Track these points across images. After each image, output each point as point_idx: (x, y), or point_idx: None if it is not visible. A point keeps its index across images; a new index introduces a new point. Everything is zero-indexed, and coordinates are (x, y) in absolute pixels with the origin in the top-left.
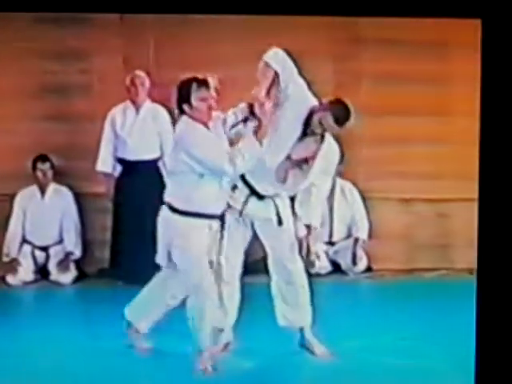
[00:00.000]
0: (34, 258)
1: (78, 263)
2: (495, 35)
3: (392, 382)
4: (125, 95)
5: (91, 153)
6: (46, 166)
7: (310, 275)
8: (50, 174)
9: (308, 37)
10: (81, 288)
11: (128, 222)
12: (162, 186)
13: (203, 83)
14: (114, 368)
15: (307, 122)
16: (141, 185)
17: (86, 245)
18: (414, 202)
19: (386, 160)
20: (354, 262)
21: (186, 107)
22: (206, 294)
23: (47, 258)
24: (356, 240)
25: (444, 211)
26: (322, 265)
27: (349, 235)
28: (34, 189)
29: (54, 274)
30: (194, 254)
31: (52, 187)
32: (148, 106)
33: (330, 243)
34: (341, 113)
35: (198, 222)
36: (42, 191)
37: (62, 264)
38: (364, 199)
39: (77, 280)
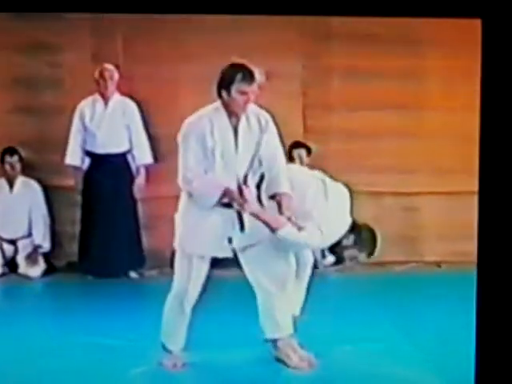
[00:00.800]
0: (2, 251)
1: (47, 256)
2: (495, 35)
3: (360, 373)
4: (94, 88)
5: (60, 146)
6: (15, 158)
7: None
8: (18, 166)
9: (277, 32)
10: (49, 281)
11: (97, 215)
12: (130, 179)
13: (249, 76)
14: (82, 362)
15: None
16: (110, 178)
17: (54, 238)
18: (383, 196)
19: (355, 154)
20: (323, 255)
21: (223, 93)
22: None
23: (15, 251)
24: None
25: (413, 205)
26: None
27: None
28: (2, 182)
29: (23, 267)
30: None
31: (20, 180)
32: (117, 99)
33: None
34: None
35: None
36: (10, 184)
37: (31, 257)
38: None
39: (45, 273)
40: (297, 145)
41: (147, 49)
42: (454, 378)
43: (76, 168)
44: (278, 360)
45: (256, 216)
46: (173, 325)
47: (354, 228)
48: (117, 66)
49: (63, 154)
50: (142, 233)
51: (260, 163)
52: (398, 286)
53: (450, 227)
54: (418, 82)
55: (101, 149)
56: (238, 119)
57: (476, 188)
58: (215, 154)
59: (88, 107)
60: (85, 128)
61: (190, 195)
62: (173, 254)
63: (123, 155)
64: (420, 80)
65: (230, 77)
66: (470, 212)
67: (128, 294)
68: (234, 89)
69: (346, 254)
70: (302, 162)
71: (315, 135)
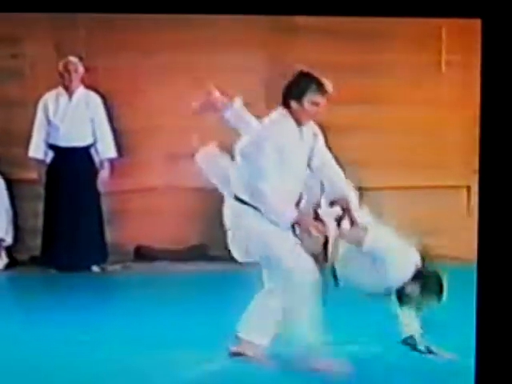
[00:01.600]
0: None
1: (10, 250)
2: (495, 35)
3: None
4: (56, 81)
5: (23, 139)
6: None
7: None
8: None
9: (242, 27)
10: (12, 275)
11: (60, 209)
12: (94, 172)
13: (322, 87)
14: (44, 355)
15: None
16: (73, 171)
17: (17, 232)
18: None
19: None
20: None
21: (293, 103)
22: None
23: None
24: None
25: (376, 199)
26: None
27: None
28: None
29: None
30: None
31: None
32: (81, 92)
33: None
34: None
35: None
36: None
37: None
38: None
39: (7, 267)
40: None
41: (110, 41)
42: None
43: (39, 161)
44: None
45: (336, 239)
46: None
47: (420, 275)
48: (80, 58)
49: (26, 147)
50: (106, 227)
51: (312, 170)
52: None
53: (415, 222)
54: (380, 76)
55: (64, 142)
56: (302, 128)
57: (440, 182)
58: (287, 164)
59: (52, 100)
60: (48, 121)
61: (255, 208)
62: (136, 248)
63: (87, 149)
64: (383, 74)
65: (303, 87)
66: (434, 206)
67: (90, 288)
68: (306, 99)
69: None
70: None
71: None
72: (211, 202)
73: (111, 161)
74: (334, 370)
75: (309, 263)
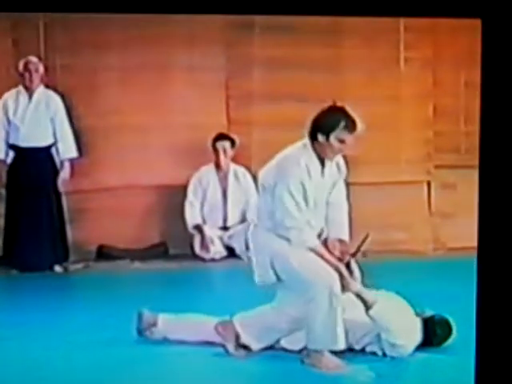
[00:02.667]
0: None
1: None
2: (495, 35)
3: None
4: (14, 80)
5: None
6: None
7: (204, 260)
8: None
9: (200, 23)
10: None
11: (21, 209)
12: (55, 172)
13: (352, 125)
14: (7, 355)
15: None
16: (34, 172)
17: None
18: None
19: (279, 145)
20: (248, 246)
21: (320, 137)
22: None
23: None
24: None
25: None
26: (217, 250)
27: (243, 220)
28: None
29: None
30: None
31: None
32: (41, 91)
33: (225, 228)
34: None
35: None
36: None
37: None
38: (257, 184)
39: None
40: (220, 137)
41: (68, 39)
42: None
43: None
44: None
45: (356, 294)
46: None
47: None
48: (39, 57)
49: None
50: (67, 227)
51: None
52: None
53: (374, 217)
54: (340, 72)
55: (24, 142)
56: (324, 163)
57: (400, 178)
58: (309, 201)
59: (12, 100)
60: (8, 121)
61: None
62: (98, 247)
63: (47, 149)
64: (341, 70)
65: (333, 123)
66: (392, 202)
67: (53, 288)
68: (333, 135)
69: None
70: (225, 154)
71: (239, 127)
72: (171, 200)
73: (71, 160)
74: (344, 371)
75: (331, 274)
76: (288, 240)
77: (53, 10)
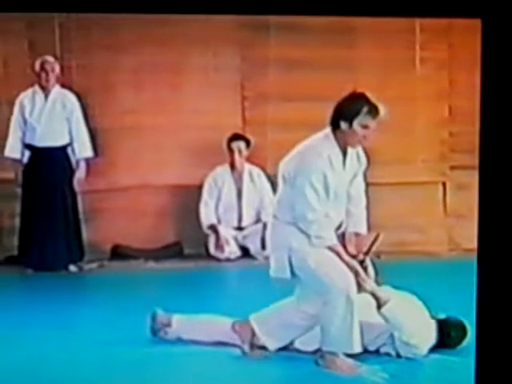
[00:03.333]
0: None
1: None
2: (495, 35)
3: None
4: (30, 80)
5: None
6: None
7: (219, 260)
8: None
9: (215, 24)
10: None
11: (37, 208)
12: (70, 172)
13: (374, 110)
14: (22, 355)
15: None
16: (49, 171)
17: None
18: None
19: (292, 145)
20: (263, 246)
21: (343, 125)
22: None
23: None
24: (265, 224)
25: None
26: (232, 250)
27: (258, 220)
28: None
29: None
30: None
31: None
32: (57, 91)
33: (239, 228)
34: None
35: None
36: None
37: None
38: (272, 184)
39: None
40: (235, 137)
41: (85, 39)
42: None
43: (16, 161)
44: None
45: (370, 293)
46: None
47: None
48: (55, 57)
49: (2, 147)
50: (82, 226)
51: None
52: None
53: (389, 218)
54: (354, 72)
55: (40, 142)
56: (346, 153)
57: (415, 178)
58: (330, 193)
59: (28, 100)
60: (25, 121)
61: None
62: (113, 247)
63: (63, 148)
64: (356, 71)
65: (355, 109)
66: (407, 203)
67: (67, 287)
68: (356, 121)
69: None
70: (240, 155)
71: (254, 127)
72: (186, 200)
73: (87, 160)
74: (358, 373)
75: (348, 277)
76: (307, 235)
77: (68, 10)
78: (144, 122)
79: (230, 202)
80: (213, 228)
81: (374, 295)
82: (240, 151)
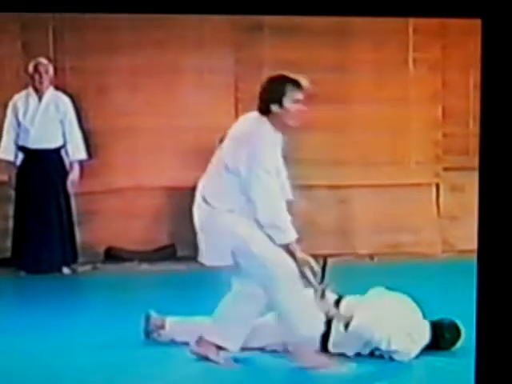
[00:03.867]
0: None
1: None
2: (495, 35)
3: None
4: (24, 82)
5: None
6: None
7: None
8: None
9: (209, 26)
10: None
11: (30, 211)
12: (64, 174)
13: (298, 84)
14: (15, 357)
15: None
16: (43, 173)
17: None
18: (316, 189)
19: (288, 147)
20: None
21: (274, 108)
22: None
23: None
24: None
25: (346, 197)
26: None
27: None
28: None
29: None
30: None
31: None
32: (51, 93)
33: None
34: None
35: None
36: None
37: None
38: None
39: None
40: None
41: (78, 41)
42: None
43: (9, 163)
44: None
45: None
46: None
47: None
48: (48, 59)
49: None
50: (75, 228)
51: None
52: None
53: (382, 220)
54: (348, 74)
55: (34, 144)
56: (280, 135)
57: (408, 180)
58: (275, 175)
59: (21, 102)
60: (18, 123)
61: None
62: (106, 249)
63: (57, 150)
64: (350, 72)
65: (281, 89)
66: (400, 204)
67: (61, 289)
68: (286, 99)
69: None
70: None
71: None
72: (179, 202)
73: (81, 162)
74: (331, 369)
75: (288, 258)
76: (255, 223)
77: (62, 10)
78: (138, 123)
79: None
80: None
81: (336, 318)
82: None
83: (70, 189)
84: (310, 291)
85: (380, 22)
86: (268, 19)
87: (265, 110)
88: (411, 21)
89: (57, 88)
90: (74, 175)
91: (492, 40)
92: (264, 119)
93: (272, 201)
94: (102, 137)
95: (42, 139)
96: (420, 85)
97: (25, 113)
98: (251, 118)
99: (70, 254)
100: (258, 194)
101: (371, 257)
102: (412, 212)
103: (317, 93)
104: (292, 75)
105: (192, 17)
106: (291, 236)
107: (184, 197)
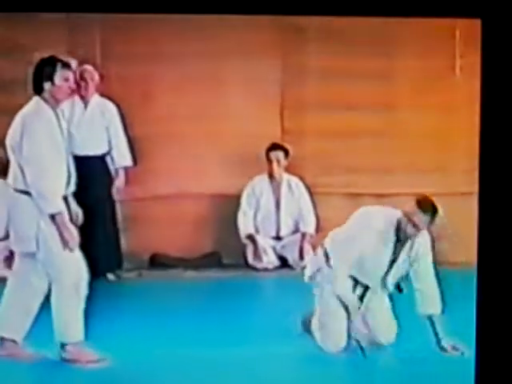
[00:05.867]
0: None
1: None
2: (495, 35)
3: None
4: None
5: None
6: None
7: (257, 270)
8: None
9: (254, 33)
10: None
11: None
12: (109, 180)
13: (66, 63)
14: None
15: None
16: (88, 180)
17: None
18: (362, 197)
19: (332, 155)
20: (302, 256)
21: (46, 86)
22: None
23: None
24: (303, 235)
25: (392, 206)
26: (270, 260)
27: (296, 230)
28: None
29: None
30: None
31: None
32: (96, 100)
33: (278, 238)
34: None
35: None
36: None
37: (8, 260)
38: (311, 194)
39: None
40: (274, 147)
41: (124, 48)
42: None
43: None
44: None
45: None
46: None
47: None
48: (94, 66)
49: None
50: (121, 235)
51: None
52: None
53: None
54: (393, 81)
55: (79, 151)
56: (56, 112)
57: (454, 189)
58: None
59: (67, 109)
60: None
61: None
62: (151, 256)
63: (102, 157)
64: (395, 80)
65: (51, 67)
66: (445, 213)
67: (106, 295)
68: (57, 76)
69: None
70: (279, 164)
71: (293, 137)
72: (224, 209)
73: (126, 169)
74: (88, 361)
75: (78, 263)
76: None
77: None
78: (183, 130)
79: (269, 212)
80: (251, 238)
81: None
82: (279, 161)
83: (116, 195)
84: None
85: (425, 28)
86: (313, 27)
87: (38, 91)
88: (457, 27)
89: (102, 95)
90: (119, 182)
91: (492, 40)
92: (39, 101)
93: (41, 169)
94: (147, 143)
95: (88, 146)
96: (466, 92)
97: (70, 120)
98: (31, 101)
99: (115, 261)
100: (29, 160)
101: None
102: (455, 220)
103: (363, 100)
104: (61, 56)
105: (237, 24)
106: (56, 207)
107: (228, 204)
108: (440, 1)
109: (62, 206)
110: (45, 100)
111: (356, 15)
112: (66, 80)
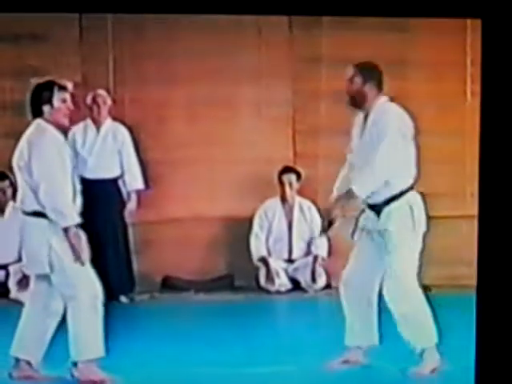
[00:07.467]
0: None
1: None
2: (495, 35)
3: None
4: (83, 112)
5: None
6: (5, 183)
7: (269, 293)
8: (9, 192)
9: (266, 57)
10: None
11: (88, 240)
12: (121, 204)
13: (62, 86)
14: None
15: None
16: (100, 203)
17: None
18: None
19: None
20: (314, 279)
21: (46, 109)
22: None
23: (7, 276)
24: (315, 257)
25: None
26: (282, 282)
27: (308, 252)
28: None
29: (14, 292)
30: None
31: (11, 206)
32: (108, 124)
33: (290, 261)
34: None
35: None
36: (1, 209)
37: (22, 282)
38: (322, 217)
39: None
40: (287, 170)
41: (136, 73)
42: None
43: None
44: None
45: None
46: None
47: None
48: (107, 91)
49: None
50: (133, 257)
51: None
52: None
53: (442, 252)
54: (406, 104)
55: (92, 174)
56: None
57: (466, 212)
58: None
59: (79, 133)
60: (76, 154)
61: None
62: (163, 278)
63: (114, 180)
64: (408, 102)
65: (48, 90)
66: (462, 237)
67: (118, 318)
68: (56, 99)
69: None
70: (291, 187)
71: (305, 160)
72: (236, 232)
73: (138, 192)
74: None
75: (92, 279)
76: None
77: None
78: (195, 154)
79: (281, 235)
80: (263, 260)
81: None
82: (291, 184)
83: (128, 218)
84: None
85: (438, 53)
86: (325, 50)
87: (37, 114)
88: (469, 53)
89: (115, 119)
90: (131, 205)
91: (492, 40)
92: (41, 122)
93: (54, 185)
94: (160, 167)
95: (100, 169)
96: (478, 117)
97: (83, 144)
98: (31, 126)
99: (127, 283)
100: (41, 178)
101: (429, 288)
102: (470, 244)
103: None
104: (55, 79)
105: (249, 48)
106: (72, 220)
107: (240, 227)
108: (440, 1)
109: (78, 218)
110: (46, 121)
111: (356, 15)
112: (64, 101)
